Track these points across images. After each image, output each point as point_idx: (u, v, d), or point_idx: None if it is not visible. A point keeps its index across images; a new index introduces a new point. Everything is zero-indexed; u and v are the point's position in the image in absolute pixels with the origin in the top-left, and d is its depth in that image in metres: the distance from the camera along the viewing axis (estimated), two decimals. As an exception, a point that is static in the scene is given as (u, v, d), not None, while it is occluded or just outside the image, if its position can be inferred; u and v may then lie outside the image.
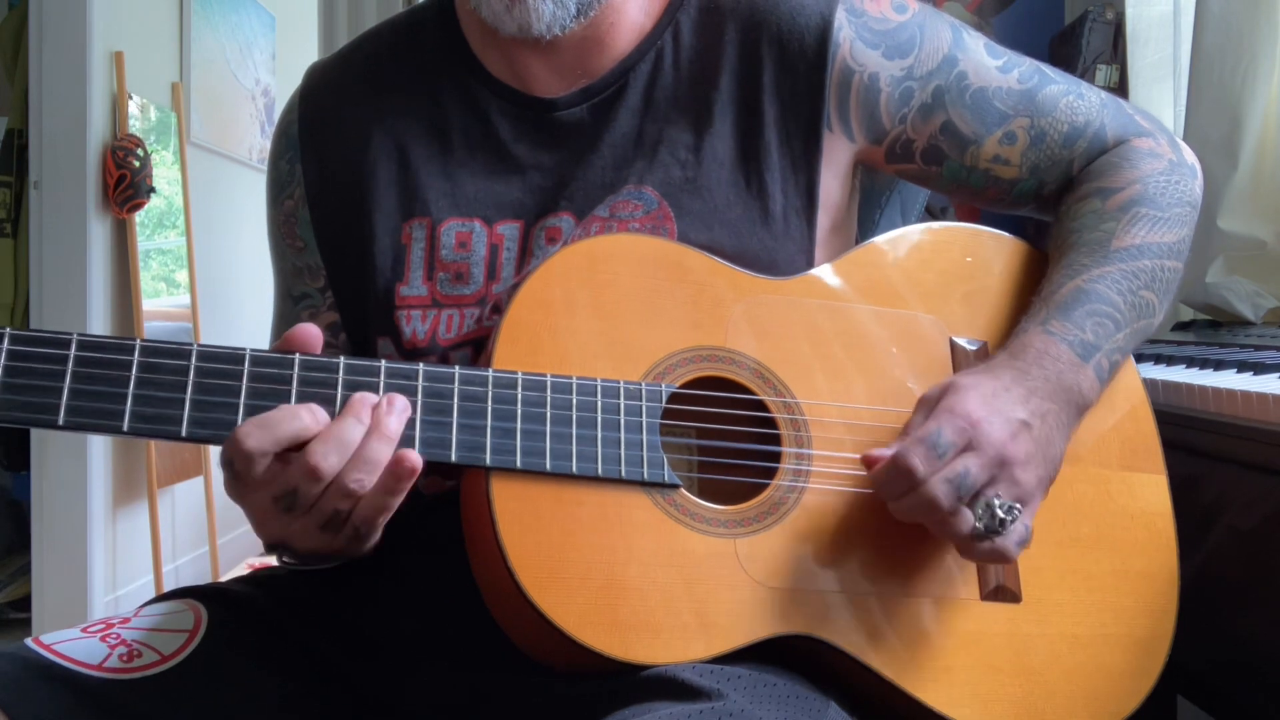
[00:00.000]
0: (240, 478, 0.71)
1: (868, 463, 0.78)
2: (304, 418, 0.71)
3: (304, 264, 0.97)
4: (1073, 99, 0.95)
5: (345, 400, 0.73)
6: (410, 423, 0.74)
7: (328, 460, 0.70)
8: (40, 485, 2.92)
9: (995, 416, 0.76)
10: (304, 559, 0.81)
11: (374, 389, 0.74)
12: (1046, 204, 0.98)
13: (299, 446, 0.71)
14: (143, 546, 3.16)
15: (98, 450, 2.95)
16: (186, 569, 3.38)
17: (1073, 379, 0.82)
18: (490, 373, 0.76)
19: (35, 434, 2.91)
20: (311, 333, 0.75)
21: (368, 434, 0.71)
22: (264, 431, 0.70)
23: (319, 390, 0.73)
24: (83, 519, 2.90)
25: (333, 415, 0.72)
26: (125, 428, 0.69)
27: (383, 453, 0.71)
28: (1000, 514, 0.74)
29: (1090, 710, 0.83)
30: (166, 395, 0.70)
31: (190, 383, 0.71)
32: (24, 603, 3.00)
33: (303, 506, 0.71)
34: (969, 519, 0.75)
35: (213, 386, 0.71)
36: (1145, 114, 1.00)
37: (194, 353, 0.71)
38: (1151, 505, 0.89)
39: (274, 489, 0.71)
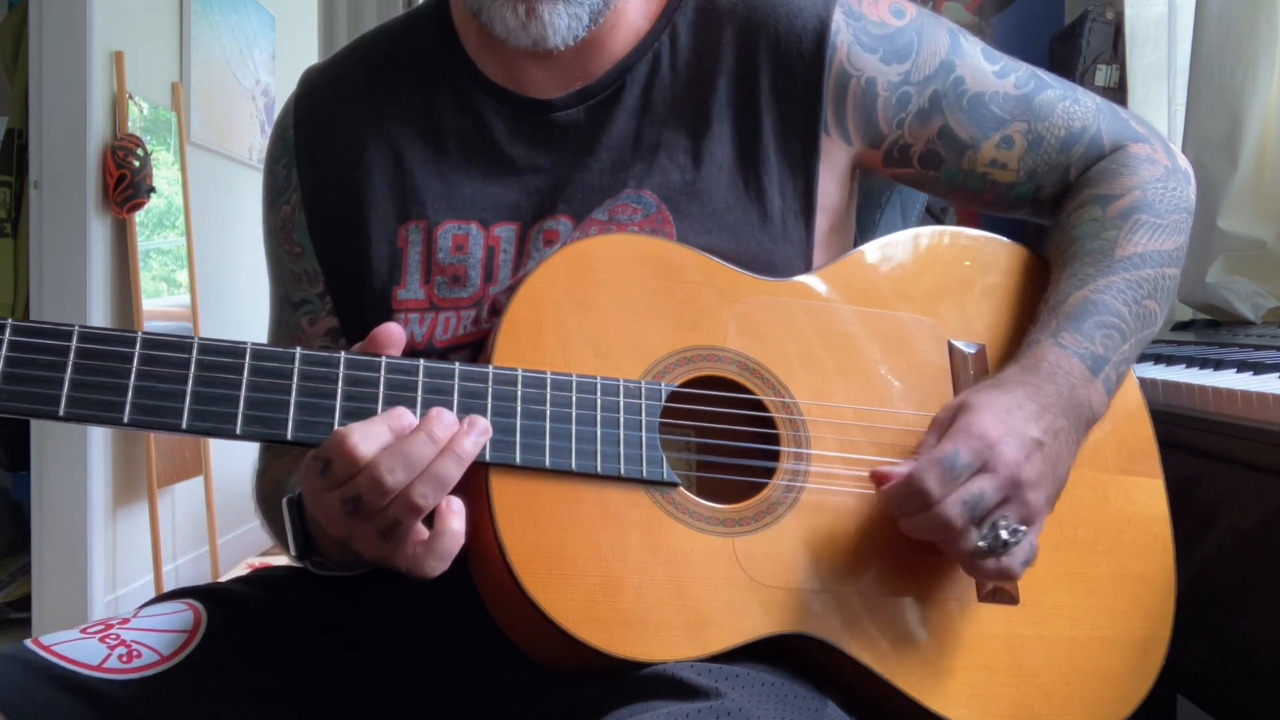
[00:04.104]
0: (332, 478, 0.71)
1: (878, 480, 0.78)
2: (404, 418, 0.71)
3: (302, 269, 0.97)
4: (1069, 104, 0.95)
5: (347, 395, 0.73)
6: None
7: (394, 475, 0.69)
8: (40, 485, 2.92)
9: (1010, 436, 0.76)
10: (344, 565, 0.81)
11: (374, 384, 0.74)
12: (1043, 208, 0.98)
13: None
14: (143, 546, 3.16)
15: (98, 450, 2.95)
16: (186, 569, 3.38)
17: (1084, 394, 0.82)
18: (490, 369, 0.77)
19: (35, 434, 2.91)
20: (395, 333, 0.76)
21: (441, 452, 0.71)
22: (372, 439, 0.70)
23: (320, 385, 0.73)
24: (83, 519, 2.90)
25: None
26: (126, 419, 0.69)
27: (452, 472, 0.71)
28: (1005, 536, 0.75)
29: (1087, 712, 0.83)
30: (167, 387, 0.70)
31: (191, 375, 0.71)
32: (24, 603, 3.00)
33: (366, 513, 0.71)
34: (973, 538, 0.75)
35: (214, 379, 0.71)
36: (1140, 119, 1.00)
37: (195, 345, 0.72)
38: (1149, 509, 0.89)
39: (343, 492, 0.70)
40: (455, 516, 0.72)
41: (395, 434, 0.71)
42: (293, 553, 0.81)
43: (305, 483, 0.73)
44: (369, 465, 0.69)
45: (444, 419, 0.72)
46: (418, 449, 0.70)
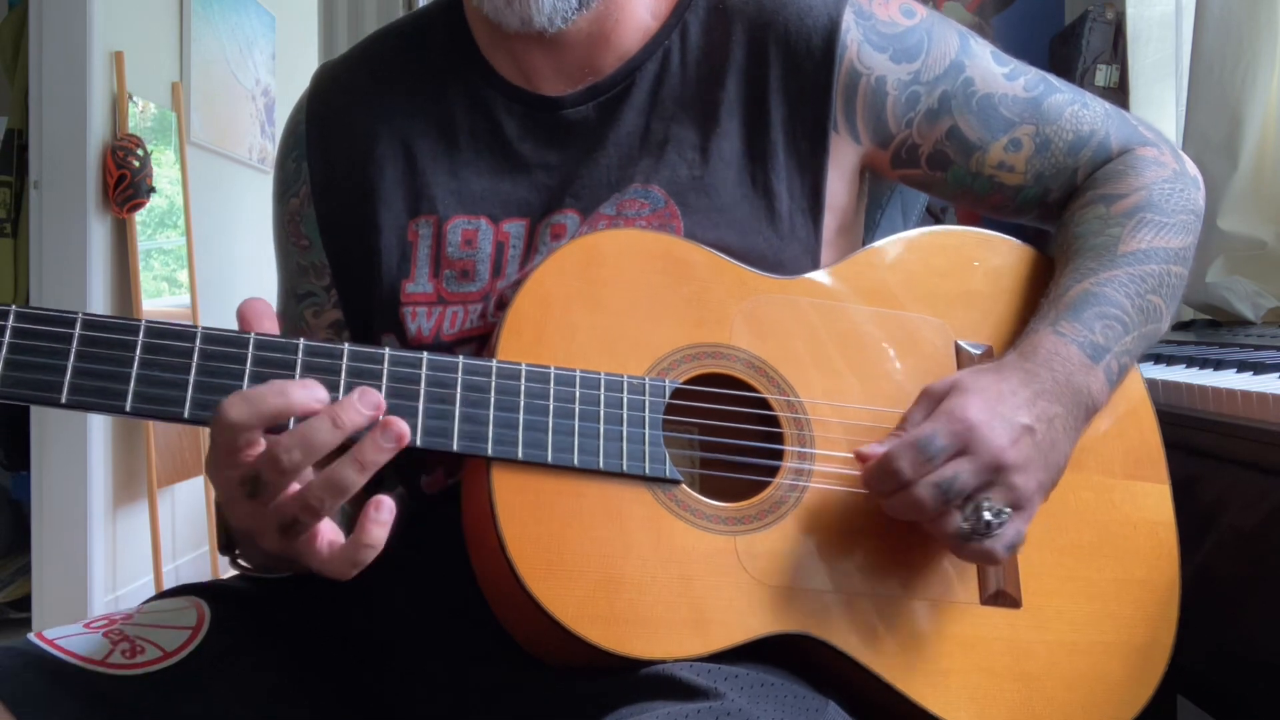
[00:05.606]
0: (216, 448, 0.68)
1: (860, 459, 0.78)
2: (292, 394, 0.66)
3: (308, 262, 0.97)
4: (1078, 108, 0.95)
5: (350, 388, 0.71)
6: (413, 411, 0.74)
7: (290, 455, 0.65)
8: (40, 485, 2.92)
9: (996, 421, 0.76)
10: (259, 565, 0.80)
11: (378, 376, 0.74)
12: (1050, 212, 0.98)
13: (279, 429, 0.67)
14: (143, 546, 3.16)
15: (98, 450, 2.95)
16: (186, 569, 3.38)
17: (1082, 381, 0.82)
18: (494, 363, 0.76)
19: (35, 433, 2.91)
20: (259, 307, 0.72)
21: (343, 459, 0.66)
22: (247, 405, 0.66)
23: (322, 376, 0.73)
24: (83, 519, 2.90)
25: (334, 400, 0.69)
26: (128, 407, 0.69)
27: (352, 479, 0.66)
28: (988, 517, 0.75)
29: (1088, 716, 0.82)
30: (170, 376, 0.70)
31: (194, 364, 0.71)
32: (24, 603, 3.00)
33: (265, 496, 0.67)
34: (956, 520, 0.75)
35: (217, 369, 0.71)
36: (1148, 125, 1.00)
37: (198, 334, 0.71)
38: (1154, 514, 0.89)
39: (241, 469, 0.68)
40: (378, 527, 0.67)
41: (279, 396, 0.66)
42: (221, 552, 0.80)
43: (206, 465, 0.70)
44: (272, 441, 0.66)
45: (353, 406, 0.67)
46: (319, 436, 0.66)
